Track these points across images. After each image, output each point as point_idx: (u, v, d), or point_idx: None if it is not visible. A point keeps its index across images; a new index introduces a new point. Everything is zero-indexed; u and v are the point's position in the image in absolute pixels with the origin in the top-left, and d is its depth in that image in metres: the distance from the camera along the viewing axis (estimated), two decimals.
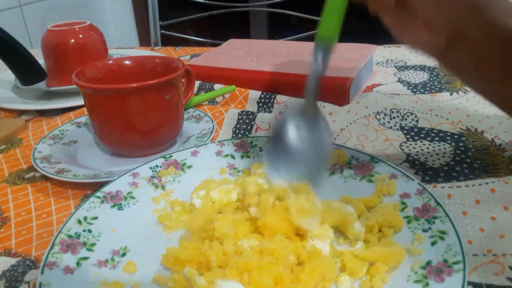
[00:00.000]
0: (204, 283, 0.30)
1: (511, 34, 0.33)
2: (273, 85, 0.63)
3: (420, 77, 0.69)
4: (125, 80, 0.51)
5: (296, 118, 0.39)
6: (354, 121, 0.53)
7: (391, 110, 0.54)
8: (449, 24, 0.36)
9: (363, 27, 1.01)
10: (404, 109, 0.54)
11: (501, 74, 0.36)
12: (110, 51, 0.80)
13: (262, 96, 0.62)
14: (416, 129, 0.51)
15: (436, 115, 0.53)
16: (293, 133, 0.38)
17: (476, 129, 0.49)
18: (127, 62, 0.55)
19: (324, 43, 0.36)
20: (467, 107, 0.55)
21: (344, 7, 0.37)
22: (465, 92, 0.62)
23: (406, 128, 0.51)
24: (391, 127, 0.52)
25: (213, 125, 0.54)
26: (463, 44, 0.36)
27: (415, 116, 0.53)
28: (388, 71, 0.73)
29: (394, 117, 0.53)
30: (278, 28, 2.11)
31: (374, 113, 0.54)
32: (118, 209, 0.39)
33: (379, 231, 0.35)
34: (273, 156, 0.39)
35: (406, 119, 0.53)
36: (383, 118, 0.53)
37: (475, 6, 0.35)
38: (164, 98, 0.48)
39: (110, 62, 0.55)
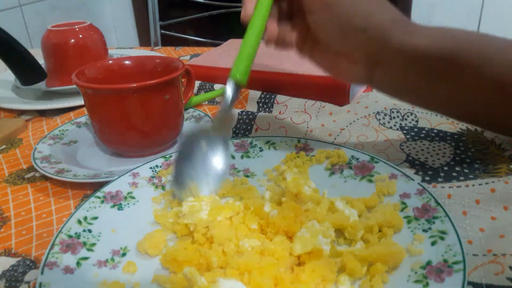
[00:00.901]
0: (204, 283, 0.30)
1: (417, 49, 0.37)
2: (273, 85, 0.63)
3: None
4: (125, 80, 0.51)
5: (204, 137, 0.42)
6: (354, 121, 0.53)
7: (391, 110, 0.54)
8: (363, 53, 0.40)
9: None
10: (404, 109, 0.54)
11: (423, 83, 0.39)
12: (110, 51, 0.80)
13: (262, 96, 0.62)
14: (416, 129, 0.51)
15: (436, 115, 0.53)
16: (197, 151, 0.42)
17: (476, 129, 0.49)
18: (127, 62, 0.55)
19: (235, 82, 0.41)
20: None
21: (255, 53, 0.41)
22: None
23: (406, 128, 0.51)
24: (391, 127, 0.52)
25: None
26: (382, 67, 0.40)
27: (415, 116, 0.53)
28: None
29: (394, 117, 0.53)
30: None
31: (374, 113, 0.54)
32: (118, 209, 0.39)
33: (379, 231, 0.35)
34: (179, 169, 0.41)
35: (406, 119, 0.53)
36: (383, 118, 0.53)
37: (380, 35, 0.38)
38: (164, 98, 0.48)
39: (110, 62, 0.55)
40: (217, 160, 0.41)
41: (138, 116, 0.48)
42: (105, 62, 0.54)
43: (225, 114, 0.41)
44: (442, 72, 0.37)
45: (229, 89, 0.40)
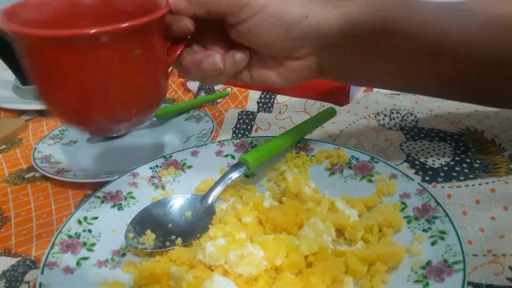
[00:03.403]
0: (191, 279, 0.30)
1: (350, 24, 0.36)
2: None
3: None
4: (77, 25, 0.36)
5: (188, 199, 0.40)
6: (353, 122, 0.53)
7: (391, 110, 0.54)
8: (308, 44, 0.37)
9: None
10: (404, 109, 0.54)
11: (364, 60, 0.38)
12: None
13: (262, 96, 0.62)
14: (416, 129, 0.51)
15: (436, 116, 0.53)
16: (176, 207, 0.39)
17: (476, 129, 0.49)
18: None
19: (244, 164, 0.41)
20: (467, 107, 0.55)
21: (272, 154, 0.42)
22: None
23: (406, 128, 0.51)
24: (390, 128, 0.52)
25: (213, 125, 0.54)
26: (326, 53, 0.38)
27: (415, 117, 0.53)
28: None
29: (394, 118, 0.53)
30: None
31: (374, 113, 0.54)
32: (118, 209, 0.39)
33: (379, 231, 0.35)
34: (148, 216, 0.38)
35: (406, 120, 0.53)
36: (383, 119, 0.53)
37: (320, 17, 0.36)
38: (132, 53, 0.33)
39: None
40: (194, 222, 0.38)
41: (96, 79, 0.33)
42: None
43: (220, 187, 0.40)
44: (378, 44, 0.36)
45: (235, 167, 0.40)
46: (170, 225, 0.37)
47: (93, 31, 0.30)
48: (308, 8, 0.35)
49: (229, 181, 0.40)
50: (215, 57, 0.36)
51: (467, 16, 0.36)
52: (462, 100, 0.44)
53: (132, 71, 0.34)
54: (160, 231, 0.37)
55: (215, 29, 0.37)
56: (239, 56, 0.37)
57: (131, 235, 0.36)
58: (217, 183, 0.40)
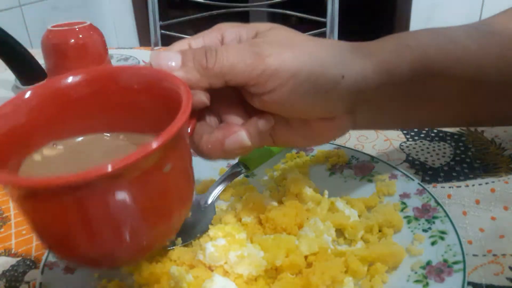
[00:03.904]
0: (192, 279, 0.30)
1: (387, 71, 0.32)
2: None
3: None
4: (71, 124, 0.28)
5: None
6: None
7: None
8: (342, 103, 0.32)
9: (362, 28, 1.01)
10: None
11: (402, 104, 0.35)
12: (110, 51, 0.80)
13: None
14: (416, 129, 0.51)
15: None
16: None
17: (476, 129, 0.49)
18: (74, 86, 0.28)
19: (244, 164, 0.41)
20: None
21: (270, 157, 0.42)
22: None
23: (406, 129, 0.51)
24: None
25: None
26: (361, 107, 0.34)
27: None
28: None
29: None
30: None
31: None
32: None
33: (379, 231, 0.35)
34: None
35: None
36: None
37: (356, 73, 0.31)
38: (162, 171, 0.24)
39: (28, 94, 0.27)
40: (192, 230, 0.36)
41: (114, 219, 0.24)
42: (22, 96, 0.27)
43: (221, 186, 0.40)
44: (412, 86, 0.33)
45: (235, 166, 0.41)
46: None
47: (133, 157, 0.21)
48: (343, 66, 0.30)
49: (229, 182, 0.40)
50: (241, 134, 0.30)
51: (498, 42, 0.34)
52: (495, 124, 0.43)
53: (164, 193, 0.25)
54: None
55: (229, 93, 0.31)
56: (263, 124, 0.31)
57: None
58: (217, 183, 0.40)
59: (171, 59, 0.28)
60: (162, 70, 0.27)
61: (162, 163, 0.24)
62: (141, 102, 0.28)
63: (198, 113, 0.30)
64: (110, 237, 0.24)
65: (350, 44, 0.32)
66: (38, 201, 0.22)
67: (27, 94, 0.27)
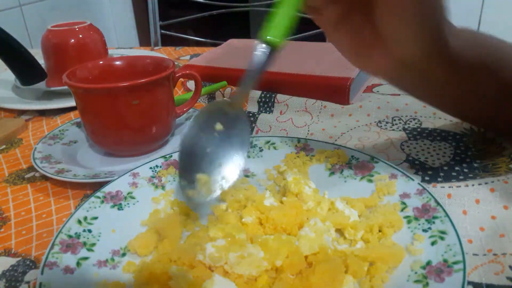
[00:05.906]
0: (191, 279, 0.30)
1: (453, 52, 0.35)
2: (273, 84, 0.63)
3: None
4: (115, 80, 0.51)
5: (219, 117, 0.36)
6: (355, 127, 0.53)
7: (393, 118, 0.54)
8: (418, 49, 0.34)
9: None
10: (407, 115, 0.54)
11: (441, 83, 0.39)
12: (110, 51, 0.80)
13: (262, 95, 0.62)
14: (419, 129, 0.51)
15: (440, 118, 0.53)
16: (210, 136, 0.36)
17: (479, 130, 0.49)
18: (117, 62, 0.55)
19: (267, 43, 0.33)
20: None
21: (295, 13, 0.34)
22: None
23: (409, 129, 0.51)
24: (393, 130, 0.52)
25: None
26: (414, 69, 0.36)
27: (418, 120, 0.53)
28: None
29: (396, 123, 0.53)
30: None
31: (375, 121, 0.54)
32: (118, 209, 0.39)
33: (379, 231, 0.35)
34: (188, 160, 0.36)
35: (409, 123, 0.52)
36: (385, 126, 0.53)
37: (437, 25, 0.34)
38: (157, 98, 0.49)
39: (101, 62, 0.55)
40: (236, 148, 0.35)
41: (128, 115, 0.48)
42: (96, 63, 0.55)
43: (252, 82, 0.34)
44: (467, 74, 0.38)
45: (259, 53, 0.33)
46: (208, 150, 0.35)
47: (139, 81, 0.46)
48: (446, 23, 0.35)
49: (258, 73, 0.33)
50: None
51: None
52: None
53: (153, 109, 0.50)
54: (205, 166, 0.34)
55: None
56: None
57: (190, 192, 0.35)
58: (244, 80, 0.34)
59: None
60: (160, 57, 0.52)
61: (153, 92, 0.48)
62: (146, 72, 0.53)
63: (194, 103, 0.57)
64: (122, 126, 0.49)
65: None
66: (88, 96, 0.48)
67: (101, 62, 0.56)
